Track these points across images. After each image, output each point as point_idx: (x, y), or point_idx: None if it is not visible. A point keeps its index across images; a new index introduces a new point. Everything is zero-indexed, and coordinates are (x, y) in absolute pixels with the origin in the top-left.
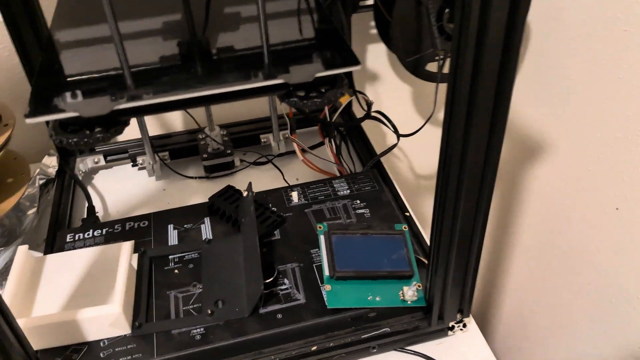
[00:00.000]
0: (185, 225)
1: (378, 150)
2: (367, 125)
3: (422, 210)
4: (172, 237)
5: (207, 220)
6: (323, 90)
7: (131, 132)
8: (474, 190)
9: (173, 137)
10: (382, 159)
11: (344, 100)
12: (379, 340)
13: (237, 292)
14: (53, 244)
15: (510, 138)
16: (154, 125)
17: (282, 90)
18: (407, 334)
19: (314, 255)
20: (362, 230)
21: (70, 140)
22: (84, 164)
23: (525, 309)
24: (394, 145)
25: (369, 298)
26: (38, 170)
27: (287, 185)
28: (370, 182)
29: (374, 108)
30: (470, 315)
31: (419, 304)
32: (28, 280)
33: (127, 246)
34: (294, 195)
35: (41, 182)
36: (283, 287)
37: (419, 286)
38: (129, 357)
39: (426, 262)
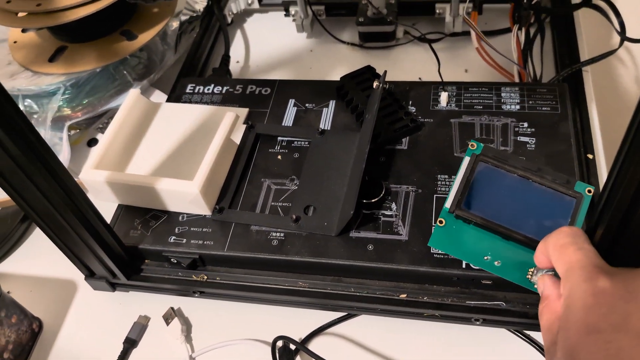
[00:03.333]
0: (307, 105)
1: (590, 55)
2: (585, 16)
3: None
4: (290, 115)
5: (332, 103)
6: None
7: None
8: None
9: None
10: (589, 70)
11: None
12: (487, 314)
13: (332, 203)
14: (176, 89)
15: None
16: None
17: None
18: (527, 319)
19: (440, 182)
20: (524, 171)
21: None
22: (236, 3)
23: None
24: (612, 52)
25: (485, 258)
26: (184, 5)
27: (440, 80)
28: (554, 100)
29: None
30: None
31: None
32: (135, 126)
33: (229, 117)
34: (443, 96)
35: (184, 18)
36: (388, 212)
37: None
38: (200, 241)
39: None
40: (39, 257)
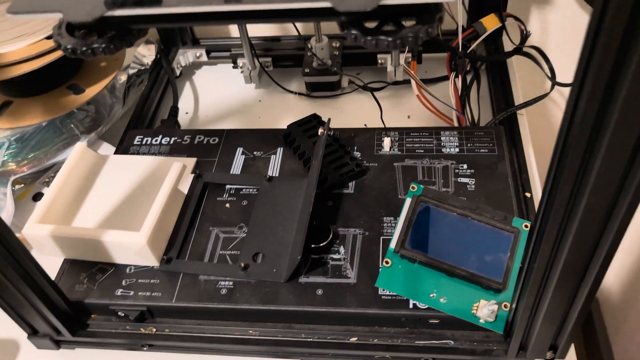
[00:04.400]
0: (255, 152)
1: (525, 99)
2: (516, 63)
3: None
4: (238, 163)
5: (279, 151)
6: (404, 24)
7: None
8: (611, 177)
9: (282, 41)
10: (523, 113)
11: (490, 25)
12: (437, 353)
13: (281, 249)
14: (124, 141)
15: None
16: (264, 24)
17: (332, 17)
18: (475, 355)
19: (386, 224)
20: (463, 210)
21: (67, 46)
22: (184, 56)
23: None
24: (544, 96)
25: (431, 295)
26: (132, 59)
27: (383, 127)
28: (491, 142)
29: (534, 41)
30: (572, 354)
31: (495, 328)
32: (81, 178)
33: (176, 167)
34: (386, 141)
35: (132, 71)
36: (336, 256)
37: (506, 306)
38: (148, 293)
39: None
40: None
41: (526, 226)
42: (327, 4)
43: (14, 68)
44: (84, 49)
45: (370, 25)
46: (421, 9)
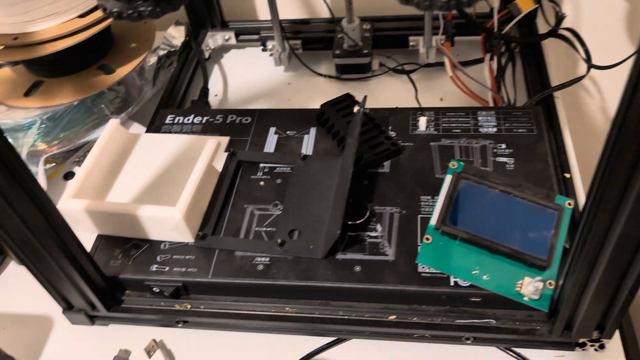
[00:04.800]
0: (287, 132)
1: (559, 81)
2: (550, 45)
3: None
4: (271, 142)
5: (313, 130)
6: None
7: (267, 11)
8: None
9: (311, 23)
10: (559, 95)
11: (525, 6)
12: (477, 332)
13: (317, 226)
14: (155, 120)
15: None
16: (292, 6)
17: None
18: (517, 335)
19: (423, 203)
20: (505, 187)
21: (112, 10)
22: (213, 39)
23: None
24: (580, 78)
25: (474, 272)
26: (162, 40)
27: (418, 106)
28: (529, 122)
29: (565, 24)
30: (616, 337)
31: (539, 306)
32: (114, 155)
33: (211, 144)
34: (422, 121)
35: (162, 52)
36: (373, 234)
37: (551, 284)
38: (183, 269)
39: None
40: (13, 293)
41: (569, 204)
42: None
43: (45, 46)
44: (130, 12)
45: None
46: None
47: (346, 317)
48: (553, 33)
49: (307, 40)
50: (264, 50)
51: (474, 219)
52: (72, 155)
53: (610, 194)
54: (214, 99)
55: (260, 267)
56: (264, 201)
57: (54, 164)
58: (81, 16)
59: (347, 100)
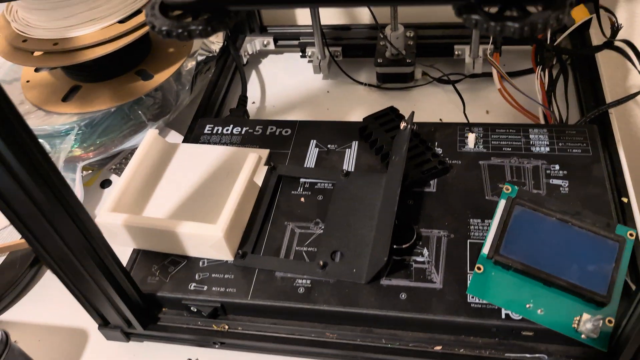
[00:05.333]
0: (329, 145)
1: (612, 96)
2: (604, 57)
3: None
4: (311, 156)
5: (354, 144)
6: (529, 10)
7: (307, 16)
8: None
9: (352, 29)
10: (615, 112)
11: (580, 17)
12: None
13: (360, 248)
14: (193, 129)
15: None
16: (334, 11)
17: (456, 1)
18: None
19: (473, 227)
20: (562, 215)
21: (162, 28)
22: (252, 44)
23: None
24: (637, 93)
25: (527, 306)
26: (200, 45)
27: (466, 122)
28: (584, 142)
29: (621, 35)
30: None
31: (598, 345)
32: (152, 167)
33: (252, 158)
34: (471, 138)
35: (200, 58)
36: (419, 259)
37: (610, 321)
38: (222, 289)
39: (634, 287)
40: (49, 304)
41: (631, 234)
42: None
43: (85, 52)
44: (180, 30)
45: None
46: None
47: (389, 345)
48: (608, 45)
49: (347, 47)
50: (302, 56)
51: (529, 249)
52: (108, 162)
53: None
54: (251, 107)
55: (301, 290)
56: (305, 219)
57: (90, 171)
58: (121, 22)
59: (391, 114)
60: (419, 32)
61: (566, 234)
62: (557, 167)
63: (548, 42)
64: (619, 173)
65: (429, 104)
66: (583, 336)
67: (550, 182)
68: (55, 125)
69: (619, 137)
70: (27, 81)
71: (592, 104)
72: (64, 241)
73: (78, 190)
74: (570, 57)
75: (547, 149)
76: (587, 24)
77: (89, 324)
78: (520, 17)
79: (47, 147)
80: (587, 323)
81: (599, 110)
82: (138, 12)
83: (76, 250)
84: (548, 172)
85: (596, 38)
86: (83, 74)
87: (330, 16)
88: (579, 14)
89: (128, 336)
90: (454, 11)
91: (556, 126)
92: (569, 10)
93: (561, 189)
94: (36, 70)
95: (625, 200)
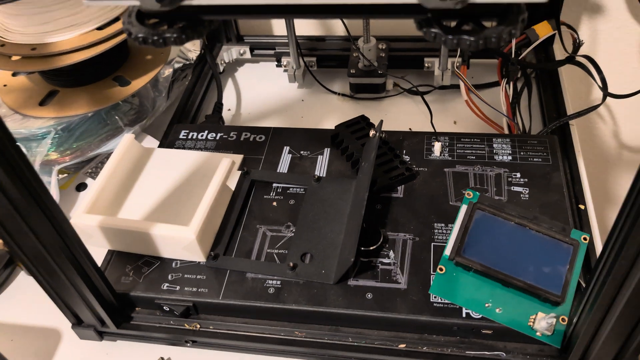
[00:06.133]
0: (301, 152)
1: (574, 109)
2: (567, 71)
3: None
4: (284, 161)
5: (326, 151)
6: (485, 25)
7: (283, 26)
8: None
9: (327, 41)
10: (576, 124)
11: (543, 33)
12: None
13: (329, 250)
14: (169, 135)
15: None
16: (309, 22)
17: (418, 15)
18: None
19: (437, 231)
20: (521, 219)
21: (138, 35)
22: (228, 53)
23: None
24: (596, 107)
25: (486, 305)
26: (177, 53)
27: (433, 131)
28: (545, 151)
29: (583, 51)
30: None
31: (552, 342)
32: (128, 170)
33: (225, 163)
34: (437, 146)
35: (177, 65)
36: (385, 260)
37: (564, 320)
38: (194, 289)
39: (584, 285)
40: (22, 304)
41: (585, 239)
42: (414, 0)
43: (63, 57)
44: (156, 38)
45: (449, 24)
46: (505, 10)
47: (356, 344)
48: (570, 60)
49: (322, 58)
50: (278, 66)
51: (489, 251)
52: (84, 166)
53: (634, 239)
54: (227, 113)
55: (271, 290)
56: (277, 222)
57: (66, 175)
58: (99, 28)
59: (362, 122)
60: (391, 44)
61: (524, 238)
62: (518, 175)
63: (513, 56)
64: (577, 181)
65: (400, 114)
66: (538, 333)
67: (512, 189)
68: (32, 129)
69: (579, 147)
70: (4, 85)
71: (554, 116)
72: (40, 240)
73: (54, 193)
74: (534, 71)
75: (510, 157)
76: (551, 39)
77: (62, 323)
78: (475, 31)
79: (23, 150)
80: (542, 321)
81: (560, 122)
82: (116, 19)
83: (51, 249)
84: (510, 179)
85: (560, 53)
86: (61, 79)
87: (306, 27)
88: (543, 29)
89: (101, 335)
90: (415, 25)
91: (518, 136)
92: (521, 26)
93: (522, 195)
94: (14, 74)
95: (582, 207)
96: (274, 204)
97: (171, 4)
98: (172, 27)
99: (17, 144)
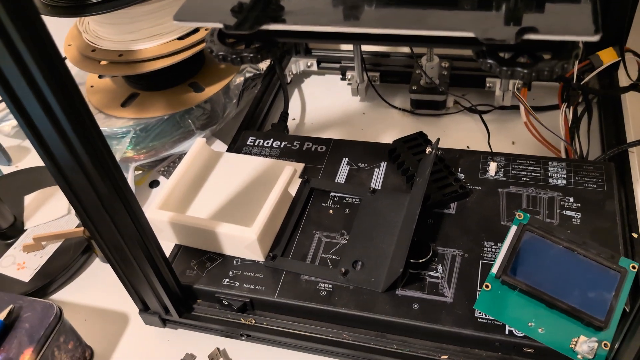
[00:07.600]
0: (359, 164)
1: (636, 136)
2: (632, 98)
3: None
4: (342, 172)
5: (383, 165)
6: (539, 57)
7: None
8: None
9: (391, 57)
10: (634, 151)
11: (607, 59)
12: None
13: (380, 259)
14: (237, 140)
15: None
16: None
17: (475, 46)
18: None
19: (487, 249)
20: (569, 243)
21: (218, 53)
22: (296, 65)
23: None
24: None
25: (529, 324)
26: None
27: (489, 151)
28: (600, 177)
29: None
30: None
31: None
32: (198, 171)
33: (288, 170)
34: (492, 166)
35: (248, 75)
36: (434, 274)
37: (606, 345)
38: (252, 286)
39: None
40: (96, 288)
41: (634, 267)
42: (471, 34)
43: (146, 64)
44: (234, 56)
45: (505, 55)
46: (559, 45)
47: (400, 351)
48: (635, 87)
49: (385, 73)
50: (342, 79)
51: (535, 272)
52: (157, 165)
53: None
54: (291, 122)
55: (323, 293)
56: (332, 229)
57: (141, 172)
58: (180, 38)
59: (420, 138)
60: (454, 63)
61: (571, 261)
62: (571, 199)
63: (575, 80)
64: (632, 209)
65: (458, 132)
66: (579, 357)
67: (564, 212)
68: (114, 128)
69: (637, 176)
70: (91, 86)
71: (613, 142)
72: (119, 231)
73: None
74: (596, 96)
75: (564, 181)
76: (616, 65)
77: (131, 308)
78: (529, 64)
79: None
80: (584, 345)
81: (619, 149)
82: (195, 30)
83: (128, 240)
84: (562, 203)
85: (624, 79)
86: (141, 83)
87: (371, 43)
88: (607, 56)
89: (164, 322)
90: (473, 55)
91: (574, 161)
92: (574, 60)
93: (573, 220)
94: (100, 76)
95: (635, 235)
96: (331, 212)
97: (251, 28)
98: (249, 47)
99: (109, 149)
